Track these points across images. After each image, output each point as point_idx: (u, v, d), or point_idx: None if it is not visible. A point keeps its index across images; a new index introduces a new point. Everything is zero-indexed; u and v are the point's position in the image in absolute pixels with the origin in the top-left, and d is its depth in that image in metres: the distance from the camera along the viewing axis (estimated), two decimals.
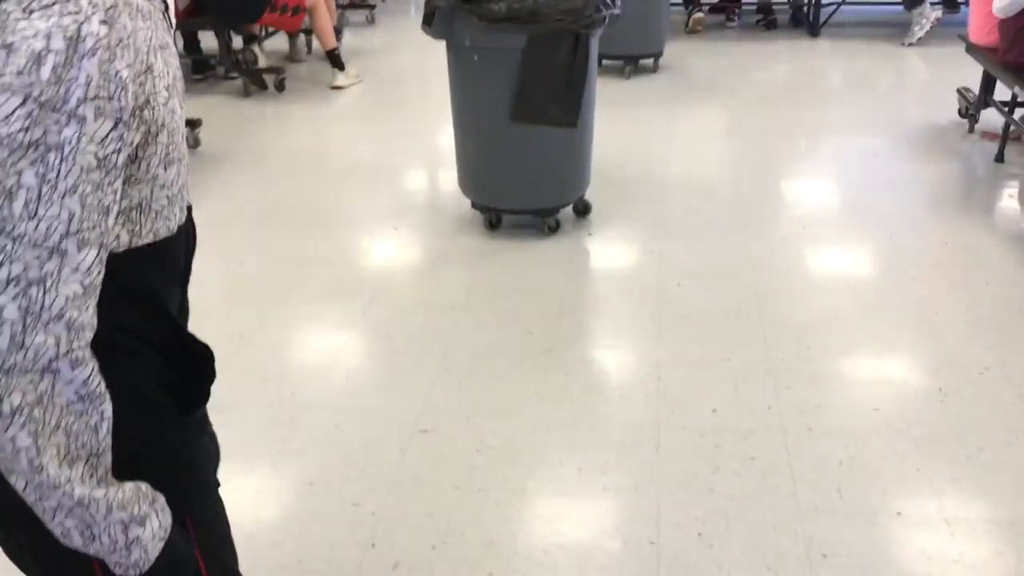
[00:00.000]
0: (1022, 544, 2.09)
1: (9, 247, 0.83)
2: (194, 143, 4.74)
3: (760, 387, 2.69)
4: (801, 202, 4.06)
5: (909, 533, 2.13)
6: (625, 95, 5.46)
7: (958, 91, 4.82)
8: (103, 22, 0.86)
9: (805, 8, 6.97)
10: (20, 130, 0.83)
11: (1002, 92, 4.31)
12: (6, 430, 0.85)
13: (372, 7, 7.55)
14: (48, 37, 0.83)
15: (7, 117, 0.82)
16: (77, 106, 0.84)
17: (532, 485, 2.32)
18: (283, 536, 2.17)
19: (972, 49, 4.44)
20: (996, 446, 2.41)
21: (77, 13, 0.84)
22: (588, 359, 2.88)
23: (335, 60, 5.69)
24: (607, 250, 3.62)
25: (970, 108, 4.64)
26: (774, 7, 7.03)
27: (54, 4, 0.84)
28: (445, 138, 4.93)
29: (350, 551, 2.12)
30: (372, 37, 7.12)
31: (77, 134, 0.85)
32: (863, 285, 3.29)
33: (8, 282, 0.83)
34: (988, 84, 4.42)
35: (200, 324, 3.23)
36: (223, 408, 2.67)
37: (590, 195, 3.82)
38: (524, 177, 3.53)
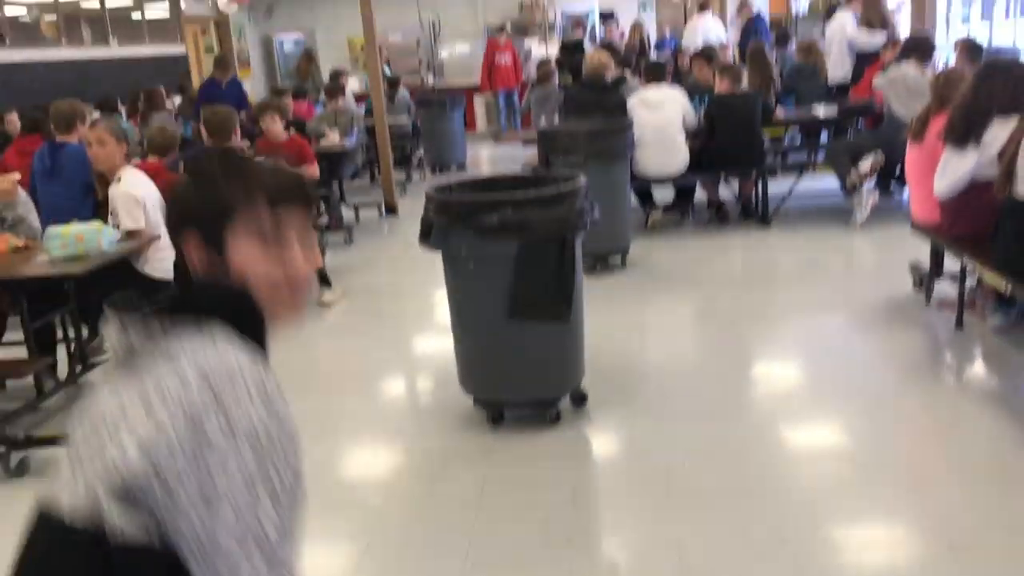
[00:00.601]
0: None
1: None
2: None
3: (780, 558, 2.77)
4: (782, 381, 4.27)
5: None
6: (602, 290, 5.75)
7: (910, 265, 5.18)
8: None
9: (753, 201, 7.50)
10: None
11: (952, 263, 4.66)
12: None
13: (349, 229, 7.95)
14: None
15: None
16: None
17: None
18: None
19: (917, 228, 4.83)
20: None
21: None
22: (609, 544, 2.95)
23: (323, 278, 5.96)
24: (609, 437, 3.75)
25: (923, 281, 4.99)
26: (724, 202, 7.56)
27: None
28: (435, 343, 5.13)
29: None
30: (351, 255, 7.47)
31: None
32: (858, 454, 3.43)
33: None
34: (937, 258, 4.78)
35: None
36: None
37: (585, 384, 3.99)
38: (524, 370, 3.71)
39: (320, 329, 5.58)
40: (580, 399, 3.99)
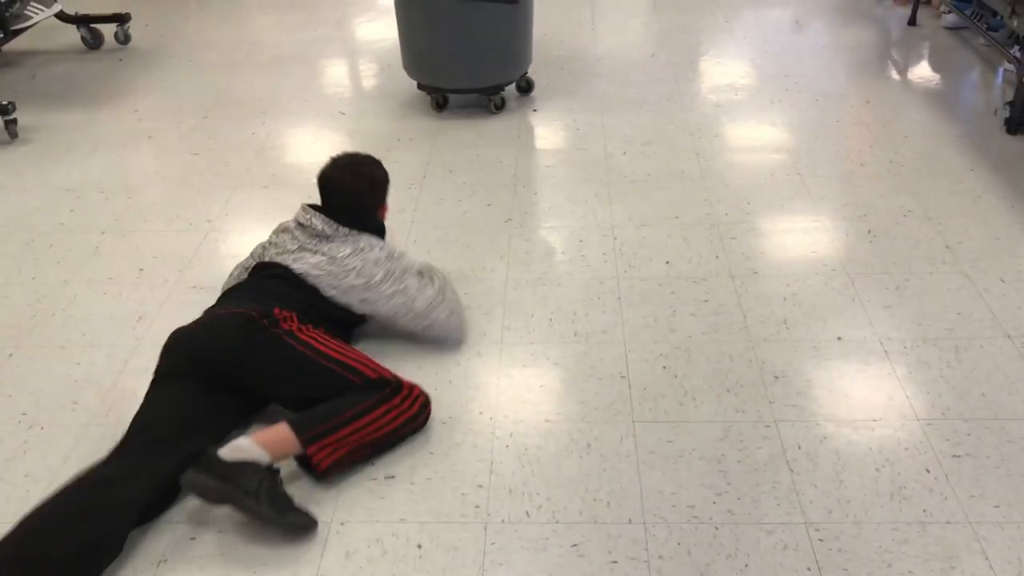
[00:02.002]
0: (945, 355, 2.38)
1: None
2: (124, 39, 4.66)
3: (707, 240, 2.92)
4: (730, 70, 4.24)
5: (848, 353, 2.40)
6: None
7: None
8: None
9: None
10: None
11: None
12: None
13: None
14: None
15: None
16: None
17: (508, 336, 2.51)
18: None
19: None
20: (920, 275, 2.69)
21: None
22: (546, 225, 3.05)
23: None
24: (553, 124, 3.76)
25: None
26: None
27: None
28: (377, 23, 4.94)
29: None
30: None
31: None
32: (793, 144, 3.51)
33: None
34: None
35: (171, 214, 3.33)
36: (201, 287, 2.79)
37: (531, 73, 3.92)
38: (470, 56, 3.62)
39: (256, 3, 5.30)
40: (526, 87, 3.94)
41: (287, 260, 2.38)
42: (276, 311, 2.20)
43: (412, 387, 2.16)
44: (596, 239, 2.94)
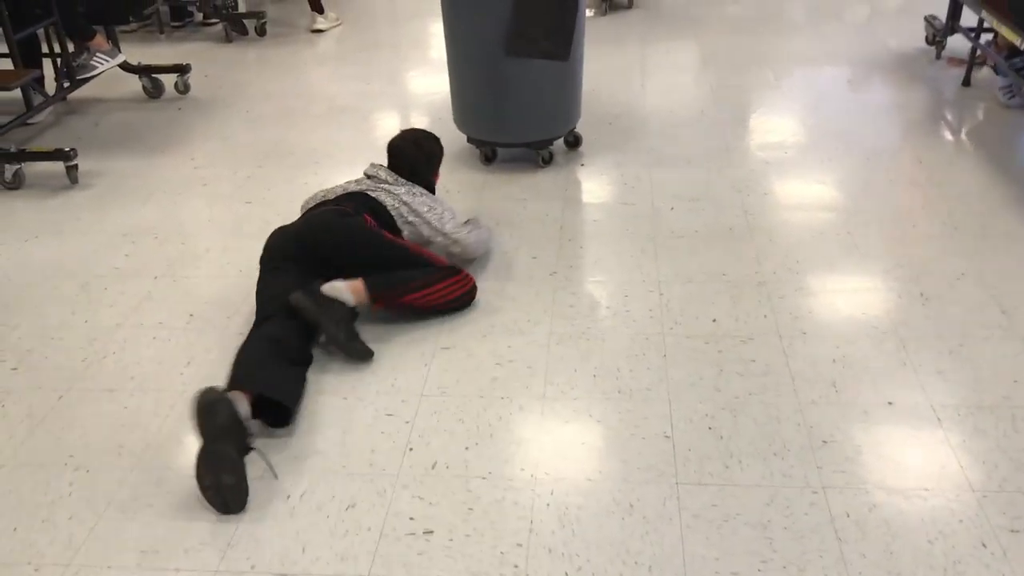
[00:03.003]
0: (1001, 424, 2.31)
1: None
2: (184, 89, 4.79)
3: (755, 298, 2.88)
4: (779, 128, 4.23)
5: (899, 419, 2.34)
6: (604, 32, 5.57)
7: (925, 19, 4.99)
8: None
9: None
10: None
11: (968, 18, 4.49)
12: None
13: None
14: None
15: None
16: None
17: (551, 391, 2.50)
18: (326, 444, 2.33)
19: None
20: (975, 340, 2.63)
21: None
22: (592, 279, 3.05)
23: (315, 4, 5.72)
24: (600, 179, 3.77)
25: (937, 35, 4.82)
26: None
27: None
28: (430, 77, 5.03)
29: (389, 455, 2.29)
30: None
31: None
32: (843, 203, 3.47)
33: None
34: (955, 10, 4.59)
35: (222, 260, 3.38)
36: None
37: (579, 128, 3.95)
38: (519, 111, 3.66)
39: (312, 56, 5.43)
40: (574, 142, 3.97)
41: (360, 188, 3.01)
42: (364, 215, 2.88)
43: (467, 274, 2.89)
44: (642, 294, 2.93)
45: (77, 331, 2.86)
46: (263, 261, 2.81)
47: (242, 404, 2.26)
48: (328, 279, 2.71)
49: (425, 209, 3.00)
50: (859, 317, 2.77)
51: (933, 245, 3.15)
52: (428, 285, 2.79)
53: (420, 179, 3.11)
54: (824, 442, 2.27)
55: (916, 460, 2.20)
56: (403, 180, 3.06)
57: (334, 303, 2.64)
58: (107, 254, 3.31)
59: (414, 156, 3.11)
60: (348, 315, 2.66)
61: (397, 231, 2.98)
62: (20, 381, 2.63)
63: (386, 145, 3.12)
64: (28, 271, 3.22)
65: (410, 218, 2.99)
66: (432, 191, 3.16)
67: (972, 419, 2.33)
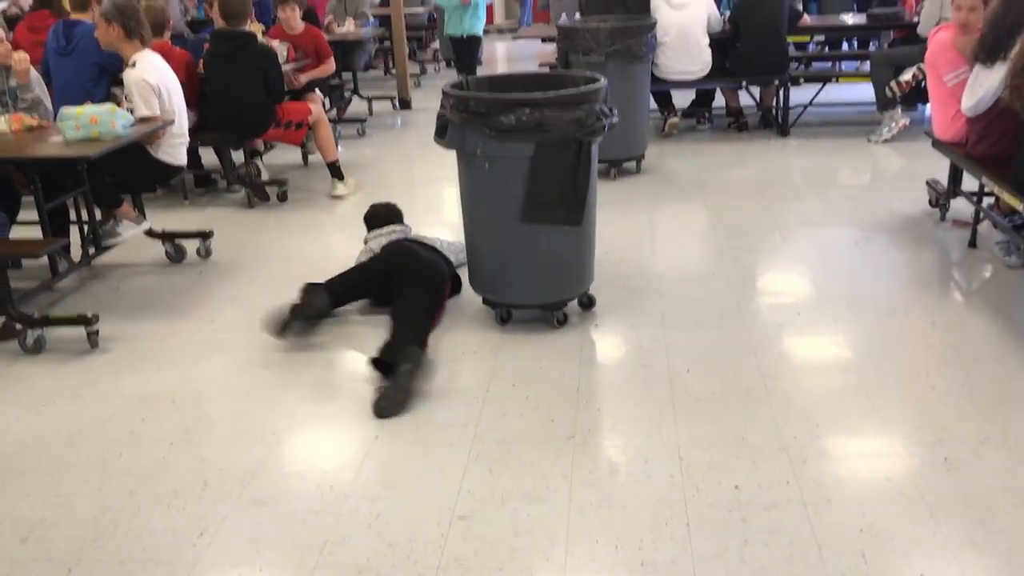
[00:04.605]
0: None
1: None
2: (206, 253, 4.91)
3: (777, 463, 2.84)
4: (791, 290, 4.28)
5: None
6: (615, 195, 5.74)
7: (927, 183, 5.14)
8: None
9: (773, 110, 7.38)
10: None
11: (969, 182, 4.62)
12: None
13: (363, 121, 7.88)
14: None
15: None
16: None
17: (572, 563, 2.43)
18: None
19: (938, 144, 4.77)
20: (1006, 509, 2.57)
21: None
22: (610, 444, 3.02)
23: (335, 171, 5.94)
24: (615, 340, 3.79)
25: (940, 199, 4.95)
26: (744, 110, 7.44)
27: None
28: (446, 240, 5.14)
29: None
30: (364, 149, 7.42)
31: None
32: (860, 365, 3.48)
33: None
34: (956, 176, 4.73)
35: (238, 426, 3.37)
36: (263, 502, 2.77)
37: (593, 288, 4.01)
38: (534, 274, 3.73)
39: (332, 222, 5.59)
40: (588, 303, 4.02)
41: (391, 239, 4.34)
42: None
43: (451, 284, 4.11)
44: (662, 460, 2.89)
45: (90, 499, 2.82)
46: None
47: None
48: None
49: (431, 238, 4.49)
50: (884, 483, 2.72)
51: (953, 408, 3.13)
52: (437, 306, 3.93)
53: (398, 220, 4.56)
54: None
55: None
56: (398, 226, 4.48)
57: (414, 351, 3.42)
58: (123, 419, 3.31)
59: (388, 209, 4.57)
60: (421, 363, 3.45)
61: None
62: (29, 553, 2.58)
63: (364, 219, 4.56)
64: (44, 438, 3.21)
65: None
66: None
67: None
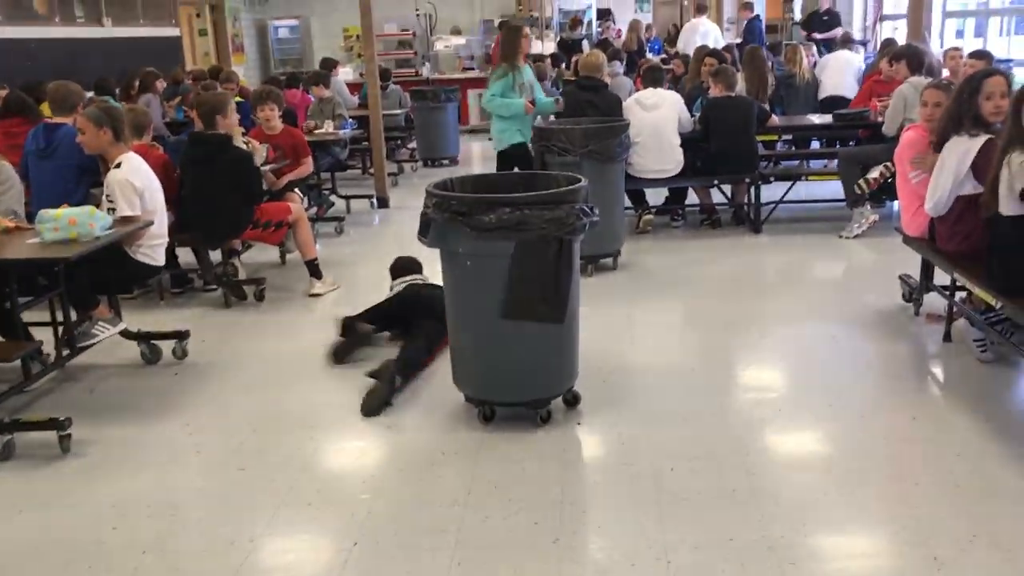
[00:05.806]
0: None
1: None
2: (182, 354, 4.86)
3: (766, 564, 2.80)
4: (772, 386, 4.29)
5: None
6: (593, 291, 5.75)
7: (900, 278, 5.22)
8: None
9: (745, 207, 7.52)
10: None
11: (941, 276, 4.70)
12: None
13: (341, 219, 7.94)
14: None
15: None
16: None
17: None
18: None
19: (909, 240, 4.86)
20: None
21: None
22: (596, 547, 2.96)
23: (314, 269, 5.94)
24: (598, 438, 3.77)
25: (913, 293, 5.02)
26: (716, 207, 7.58)
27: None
28: None
29: None
30: (342, 247, 7.45)
31: None
32: (842, 461, 3.46)
33: None
34: (927, 270, 4.81)
35: (213, 532, 3.29)
36: None
37: (576, 385, 4.00)
38: (517, 371, 3.71)
39: (310, 321, 5.56)
40: (573, 400, 4.00)
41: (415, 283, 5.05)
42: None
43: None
44: (649, 563, 2.83)
45: None
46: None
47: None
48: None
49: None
50: None
51: (938, 505, 3.11)
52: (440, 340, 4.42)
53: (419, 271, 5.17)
54: None
55: None
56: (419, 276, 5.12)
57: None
58: (94, 527, 3.21)
59: (411, 261, 5.21)
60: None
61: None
62: None
63: (389, 269, 5.23)
64: (10, 548, 3.10)
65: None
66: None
67: None
